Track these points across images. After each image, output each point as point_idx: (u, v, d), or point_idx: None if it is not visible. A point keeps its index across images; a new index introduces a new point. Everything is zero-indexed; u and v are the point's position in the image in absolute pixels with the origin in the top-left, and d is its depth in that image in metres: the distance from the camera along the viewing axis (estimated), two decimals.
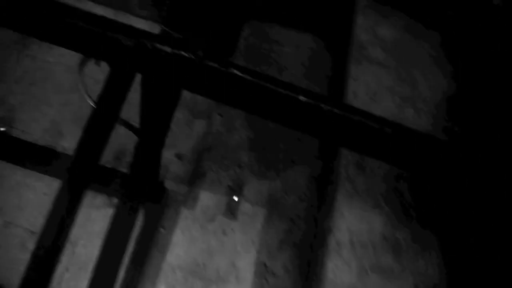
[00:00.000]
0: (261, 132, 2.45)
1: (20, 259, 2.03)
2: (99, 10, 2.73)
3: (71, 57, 2.45)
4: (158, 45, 1.05)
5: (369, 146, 1.20)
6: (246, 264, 2.11)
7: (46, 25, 1.08)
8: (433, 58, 2.33)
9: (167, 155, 2.33)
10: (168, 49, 1.06)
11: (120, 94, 1.24)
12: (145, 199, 2.18)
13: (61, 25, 1.07)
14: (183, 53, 1.05)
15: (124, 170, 2.27)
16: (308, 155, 2.45)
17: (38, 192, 2.20)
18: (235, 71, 1.08)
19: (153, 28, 2.67)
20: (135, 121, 1.39)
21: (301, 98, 1.12)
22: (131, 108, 1.42)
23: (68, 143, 2.32)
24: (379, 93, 2.09)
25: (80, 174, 1.33)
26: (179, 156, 2.37)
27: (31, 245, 2.09)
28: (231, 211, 2.23)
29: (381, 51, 2.24)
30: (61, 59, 2.53)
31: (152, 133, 1.46)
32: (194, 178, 2.30)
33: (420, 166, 1.21)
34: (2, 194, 2.18)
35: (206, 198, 2.26)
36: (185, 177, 2.32)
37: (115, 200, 2.18)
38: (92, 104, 1.29)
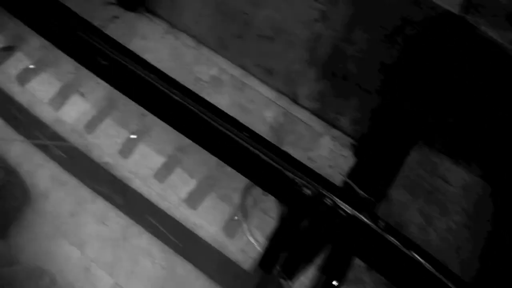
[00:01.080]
0: None
1: None
2: (263, 90, 2.53)
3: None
4: (339, 202, 0.96)
5: None
6: None
7: (227, 149, 1.06)
8: None
9: None
10: (348, 209, 0.95)
11: (286, 237, 1.15)
12: None
13: (241, 153, 1.04)
14: (363, 218, 0.94)
15: None
16: None
17: (156, 264, 2.20)
18: (416, 256, 0.93)
19: (315, 123, 2.45)
20: None
21: None
22: None
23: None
24: None
25: None
26: None
27: None
28: None
29: None
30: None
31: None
32: None
33: None
34: (122, 254, 2.20)
35: None
36: None
37: None
38: (256, 245, 1.23)
